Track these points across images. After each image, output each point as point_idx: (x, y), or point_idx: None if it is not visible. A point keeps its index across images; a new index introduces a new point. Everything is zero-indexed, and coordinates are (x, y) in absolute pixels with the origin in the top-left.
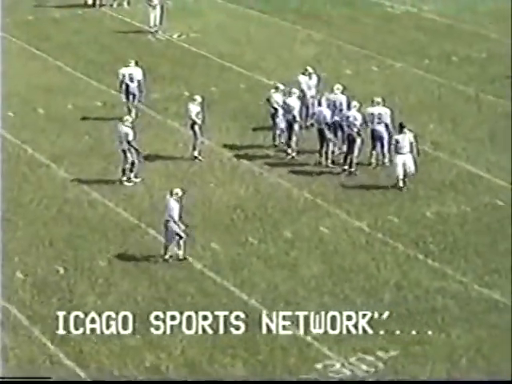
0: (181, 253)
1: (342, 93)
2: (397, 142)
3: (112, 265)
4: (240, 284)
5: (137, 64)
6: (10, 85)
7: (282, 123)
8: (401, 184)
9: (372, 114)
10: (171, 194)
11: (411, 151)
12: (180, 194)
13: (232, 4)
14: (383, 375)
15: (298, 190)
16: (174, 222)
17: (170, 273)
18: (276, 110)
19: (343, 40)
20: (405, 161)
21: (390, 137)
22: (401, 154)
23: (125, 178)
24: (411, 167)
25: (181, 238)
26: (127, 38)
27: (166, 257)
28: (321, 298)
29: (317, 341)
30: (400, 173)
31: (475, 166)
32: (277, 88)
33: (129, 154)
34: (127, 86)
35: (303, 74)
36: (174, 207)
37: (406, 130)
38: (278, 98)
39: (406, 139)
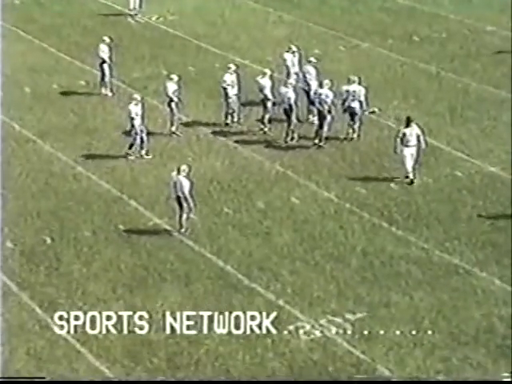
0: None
1: (315, 66)
2: (404, 134)
3: (96, 235)
4: (216, 251)
5: (107, 42)
6: None
7: (234, 102)
8: (411, 176)
9: (347, 91)
10: (179, 172)
11: (418, 144)
12: (187, 170)
13: None
14: (351, 336)
15: (271, 162)
16: (185, 198)
17: (151, 241)
18: (225, 89)
19: (312, 21)
20: (412, 153)
21: (363, 113)
22: (408, 146)
23: (130, 153)
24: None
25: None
26: (108, 21)
27: (182, 230)
28: (293, 264)
29: (289, 304)
30: (409, 165)
31: (436, 139)
32: (229, 68)
33: (139, 131)
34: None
35: (287, 51)
36: (185, 184)
37: (413, 123)
38: (227, 78)
39: (413, 133)
